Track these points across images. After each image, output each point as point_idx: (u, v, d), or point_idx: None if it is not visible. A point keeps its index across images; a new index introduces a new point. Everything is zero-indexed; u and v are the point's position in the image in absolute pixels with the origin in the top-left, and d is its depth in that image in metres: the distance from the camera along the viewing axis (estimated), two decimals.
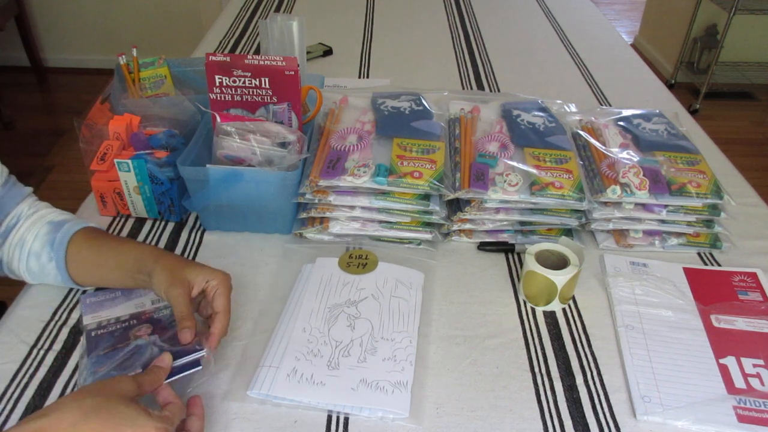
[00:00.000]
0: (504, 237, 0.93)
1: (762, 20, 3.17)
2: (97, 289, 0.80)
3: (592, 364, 0.74)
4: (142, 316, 0.75)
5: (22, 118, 2.96)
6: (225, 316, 0.69)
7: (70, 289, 0.82)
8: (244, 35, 1.67)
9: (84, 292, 0.81)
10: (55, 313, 0.79)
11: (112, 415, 0.54)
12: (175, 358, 0.65)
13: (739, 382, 0.71)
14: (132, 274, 0.74)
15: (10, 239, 0.77)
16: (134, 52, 1.10)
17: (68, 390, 0.69)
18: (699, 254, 0.93)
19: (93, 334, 0.73)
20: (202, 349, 0.67)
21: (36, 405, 0.67)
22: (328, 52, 1.55)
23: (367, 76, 1.46)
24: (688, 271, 0.88)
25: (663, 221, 0.91)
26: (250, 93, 0.90)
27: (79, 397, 0.55)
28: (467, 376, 0.72)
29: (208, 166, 0.85)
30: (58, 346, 0.74)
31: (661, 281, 0.86)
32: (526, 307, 0.83)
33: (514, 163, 0.92)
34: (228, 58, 0.87)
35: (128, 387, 0.58)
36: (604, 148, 0.97)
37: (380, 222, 0.90)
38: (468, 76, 1.47)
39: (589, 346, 0.77)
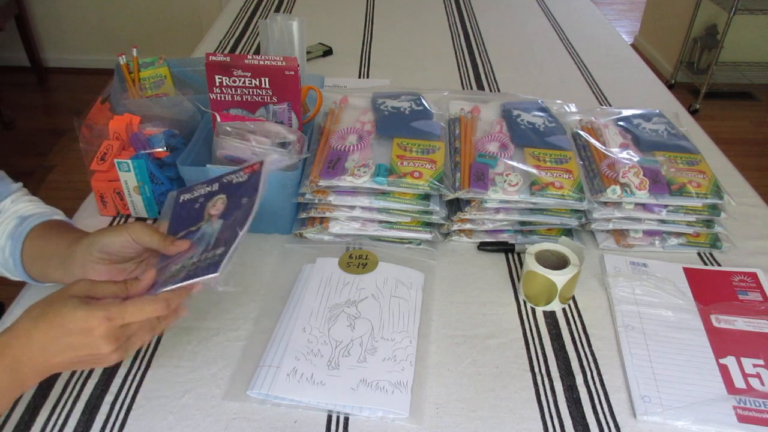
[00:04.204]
0: (504, 237, 0.93)
1: (762, 20, 3.17)
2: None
3: (592, 364, 0.74)
4: (224, 179, 0.68)
5: (22, 118, 2.96)
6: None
7: None
8: (244, 35, 1.67)
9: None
10: None
11: (56, 315, 0.56)
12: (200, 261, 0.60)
13: (739, 382, 0.71)
14: (64, 260, 0.69)
15: None
16: (134, 52, 1.10)
17: (68, 389, 0.70)
18: (699, 254, 0.93)
19: (180, 198, 0.68)
20: (219, 262, 0.59)
21: (36, 405, 0.68)
22: (328, 52, 1.55)
23: (367, 76, 1.46)
24: (688, 271, 0.88)
25: (663, 221, 0.91)
26: (250, 93, 0.90)
27: (34, 305, 0.58)
28: (467, 376, 0.72)
29: (208, 166, 0.85)
30: None
31: (661, 281, 0.86)
32: (526, 307, 0.83)
33: (514, 163, 0.92)
34: (228, 58, 0.87)
35: (80, 287, 0.58)
36: (604, 148, 0.97)
37: (380, 222, 0.90)
38: (468, 76, 1.47)
39: (589, 346, 0.77)
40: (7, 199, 0.79)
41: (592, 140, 1.00)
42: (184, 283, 0.59)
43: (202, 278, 0.59)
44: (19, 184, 0.82)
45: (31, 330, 0.56)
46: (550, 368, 0.74)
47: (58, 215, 0.79)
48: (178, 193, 0.70)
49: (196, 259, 0.62)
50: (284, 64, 0.87)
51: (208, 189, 0.68)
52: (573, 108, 1.11)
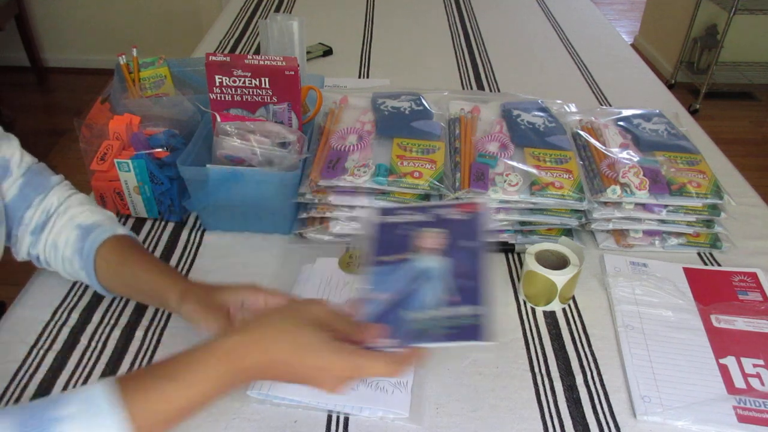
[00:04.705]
0: (504, 237, 0.93)
1: (762, 20, 3.17)
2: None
3: (592, 364, 0.74)
4: (433, 211, 0.63)
5: (22, 118, 2.96)
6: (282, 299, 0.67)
7: (71, 289, 0.82)
8: (244, 35, 1.67)
9: None
10: (55, 313, 0.79)
11: (301, 345, 0.55)
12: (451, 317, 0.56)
13: (739, 382, 0.71)
14: (159, 303, 0.75)
15: (44, 238, 0.76)
16: (134, 52, 1.10)
17: (68, 389, 0.69)
18: (699, 254, 0.93)
19: (383, 221, 0.64)
20: (484, 327, 0.54)
21: None
22: (328, 52, 1.55)
23: (367, 76, 1.46)
24: (688, 271, 0.88)
25: (663, 221, 0.91)
26: (250, 93, 0.90)
27: (274, 318, 0.57)
28: (467, 376, 0.72)
29: (208, 166, 0.85)
30: (58, 346, 0.74)
31: (661, 281, 0.86)
32: (526, 307, 0.83)
33: (514, 163, 0.92)
34: (228, 58, 0.87)
35: (320, 313, 0.58)
36: (604, 148, 0.97)
37: None
38: (468, 76, 1.47)
39: (589, 346, 0.77)
40: (51, 194, 0.78)
41: (592, 140, 1.00)
42: (449, 345, 0.56)
43: (469, 343, 0.56)
44: (60, 176, 0.81)
45: (270, 344, 0.55)
46: (550, 368, 0.74)
47: (120, 228, 0.78)
48: (380, 214, 0.66)
49: (449, 312, 0.57)
50: (284, 64, 0.87)
51: (414, 218, 0.64)
52: (573, 108, 1.11)
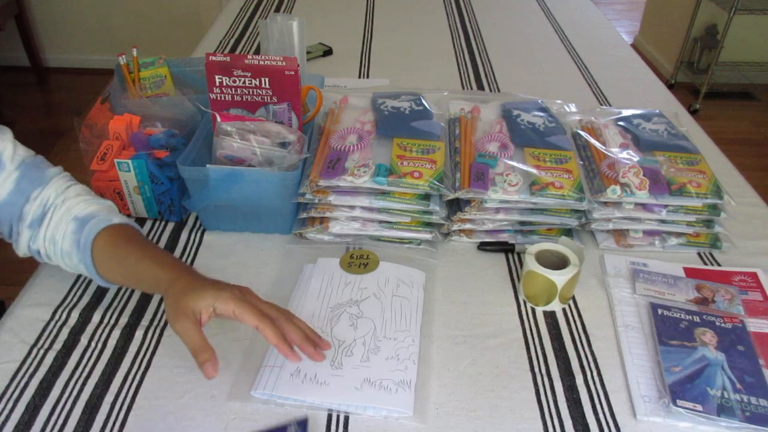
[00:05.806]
0: (504, 237, 0.93)
1: (762, 20, 3.17)
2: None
3: (592, 364, 0.74)
4: (704, 315, 0.77)
5: (22, 118, 2.96)
6: (264, 325, 0.64)
7: (70, 289, 0.82)
8: (244, 35, 1.67)
9: None
10: (54, 313, 0.79)
11: None
12: None
13: None
14: (153, 292, 0.76)
15: (43, 232, 0.75)
16: (134, 52, 1.10)
17: (68, 389, 0.69)
18: (699, 254, 0.93)
19: (660, 312, 0.78)
20: None
21: (36, 405, 0.67)
22: (328, 52, 1.55)
23: (367, 76, 1.46)
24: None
25: (663, 221, 0.91)
26: (250, 93, 0.90)
27: None
28: (467, 376, 0.72)
29: (208, 166, 0.85)
30: (58, 346, 0.74)
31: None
32: (526, 307, 0.83)
33: (514, 163, 0.92)
34: (228, 58, 0.87)
35: None
36: (604, 148, 0.97)
37: (380, 222, 0.90)
38: (468, 76, 1.47)
39: (589, 346, 0.77)
40: (49, 187, 0.76)
41: (592, 140, 1.00)
42: (746, 426, 0.66)
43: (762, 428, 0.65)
44: (59, 168, 0.80)
45: None
46: (550, 368, 0.74)
47: (117, 217, 0.76)
48: (657, 305, 0.80)
49: (744, 398, 0.68)
50: (284, 64, 0.87)
51: (689, 317, 0.78)
52: (573, 108, 1.11)
